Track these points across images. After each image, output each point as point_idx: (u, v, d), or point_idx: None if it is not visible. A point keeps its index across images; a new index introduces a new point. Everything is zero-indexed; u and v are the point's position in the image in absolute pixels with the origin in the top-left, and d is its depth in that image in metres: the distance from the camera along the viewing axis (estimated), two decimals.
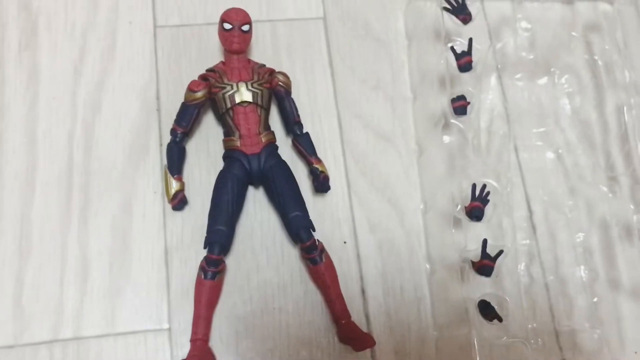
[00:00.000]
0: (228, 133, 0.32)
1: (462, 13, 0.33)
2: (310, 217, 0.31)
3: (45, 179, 0.32)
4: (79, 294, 0.30)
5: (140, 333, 0.30)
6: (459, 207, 0.29)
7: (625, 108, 0.33)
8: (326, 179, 0.32)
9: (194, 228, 0.32)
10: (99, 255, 0.31)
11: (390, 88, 0.35)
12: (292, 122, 0.33)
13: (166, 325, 0.30)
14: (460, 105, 0.31)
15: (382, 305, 0.31)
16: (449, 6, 0.33)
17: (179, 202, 0.32)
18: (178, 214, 0.32)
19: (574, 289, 0.32)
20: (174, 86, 0.34)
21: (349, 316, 0.30)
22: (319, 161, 0.33)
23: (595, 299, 0.31)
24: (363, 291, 0.32)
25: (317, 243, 0.31)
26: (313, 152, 0.33)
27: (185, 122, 0.32)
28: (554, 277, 0.32)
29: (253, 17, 0.33)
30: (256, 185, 0.33)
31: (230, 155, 0.32)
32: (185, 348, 0.29)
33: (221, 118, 0.33)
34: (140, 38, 0.35)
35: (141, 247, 0.31)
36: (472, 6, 0.35)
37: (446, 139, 0.31)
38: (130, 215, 0.31)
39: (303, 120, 0.33)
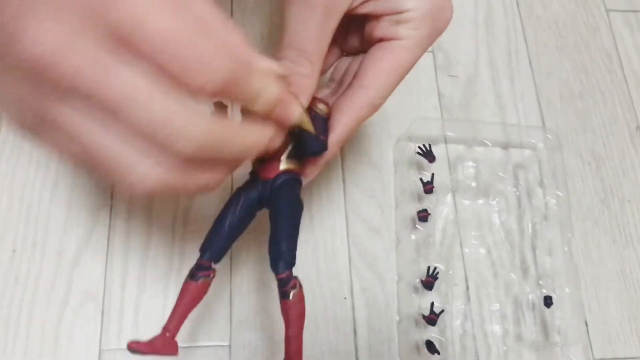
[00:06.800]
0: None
1: (428, 156, 0.51)
2: (323, 278, 0.49)
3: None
4: None
5: None
6: (418, 280, 0.47)
7: (530, 224, 0.51)
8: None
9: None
10: None
11: (381, 198, 0.53)
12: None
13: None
14: (423, 215, 0.49)
15: (366, 340, 0.48)
16: (420, 151, 0.51)
17: None
18: None
19: (492, 339, 0.48)
20: None
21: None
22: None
23: (505, 348, 0.48)
24: (355, 331, 0.48)
25: (291, 279, 0.31)
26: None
27: None
28: (479, 331, 0.48)
29: None
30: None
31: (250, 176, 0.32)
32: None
33: None
34: None
35: None
36: (438, 147, 0.54)
37: (413, 236, 0.49)
38: None
39: (319, 216, 0.51)
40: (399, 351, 0.47)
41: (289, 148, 0.31)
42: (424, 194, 0.50)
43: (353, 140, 0.55)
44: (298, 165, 0.32)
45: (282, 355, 0.47)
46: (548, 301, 0.47)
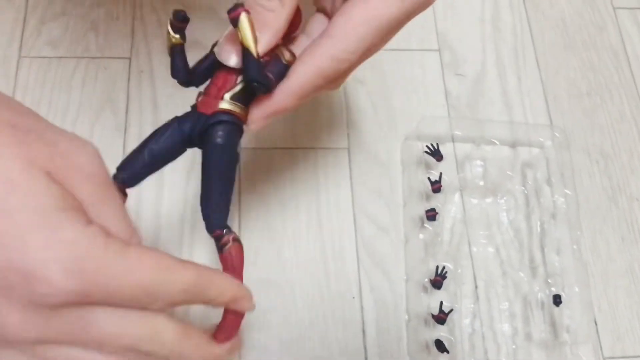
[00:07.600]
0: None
1: (436, 155, 0.51)
2: (331, 278, 0.49)
3: None
4: None
5: None
6: (427, 279, 0.47)
7: (539, 222, 0.51)
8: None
9: None
10: None
11: (389, 197, 0.53)
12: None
13: None
14: (431, 214, 0.49)
15: (375, 340, 0.48)
16: (427, 150, 0.51)
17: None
18: None
19: (501, 338, 0.48)
20: None
21: None
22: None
23: (514, 346, 0.48)
24: (364, 331, 0.48)
25: (224, 236, 0.28)
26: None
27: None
28: (488, 330, 0.48)
29: (302, 145, 0.52)
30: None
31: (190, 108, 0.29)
32: None
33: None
34: None
35: None
36: (445, 146, 0.54)
37: (421, 235, 0.49)
38: None
39: (326, 216, 0.51)
40: (408, 350, 0.47)
41: (236, 88, 0.28)
42: (431, 193, 0.50)
43: (361, 139, 0.55)
44: (242, 111, 0.28)
45: (291, 354, 0.47)
46: (557, 300, 0.47)
